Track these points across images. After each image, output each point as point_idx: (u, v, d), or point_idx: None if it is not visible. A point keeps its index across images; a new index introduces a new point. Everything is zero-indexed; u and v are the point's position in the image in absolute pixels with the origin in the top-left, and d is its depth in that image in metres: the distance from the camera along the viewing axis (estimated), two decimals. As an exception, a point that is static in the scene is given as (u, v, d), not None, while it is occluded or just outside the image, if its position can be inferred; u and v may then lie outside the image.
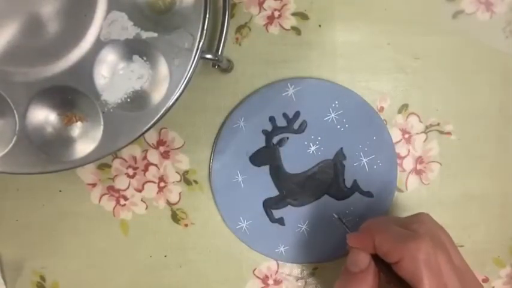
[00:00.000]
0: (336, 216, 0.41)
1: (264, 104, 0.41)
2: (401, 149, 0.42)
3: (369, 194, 0.41)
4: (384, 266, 0.31)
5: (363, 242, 0.33)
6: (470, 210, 0.43)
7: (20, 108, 0.31)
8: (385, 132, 0.41)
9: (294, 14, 0.41)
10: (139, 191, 0.42)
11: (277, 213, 0.42)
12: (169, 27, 0.31)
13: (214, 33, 0.37)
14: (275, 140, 0.41)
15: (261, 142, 0.41)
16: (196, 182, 0.42)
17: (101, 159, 0.34)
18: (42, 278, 0.44)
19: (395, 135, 0.42)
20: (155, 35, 0.30)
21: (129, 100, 0.31)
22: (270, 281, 0.43)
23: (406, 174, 0.42)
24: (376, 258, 0.32)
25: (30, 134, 0.31)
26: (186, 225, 0.43)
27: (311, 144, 0.41)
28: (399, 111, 0.42)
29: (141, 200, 0.43)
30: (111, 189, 0.43)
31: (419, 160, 0.42)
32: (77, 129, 0.32)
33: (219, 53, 0.36)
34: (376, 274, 0.32)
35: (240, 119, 0.41)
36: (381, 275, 0.32)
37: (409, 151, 0.42)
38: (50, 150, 0.32)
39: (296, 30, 0.41)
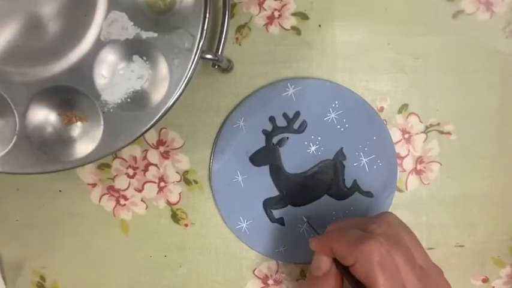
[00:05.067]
0: (305, 219, 0.41)
1: (264, 104, 0.41)
2: (401, 149, 0.42)
3: (369, 194, 0.41)
4: (344, 269, 0.31)
5: (323, 247, 0.32)
6: (470, 210, 0.43)
7: (20, 108, 0.31)
8: (385, 132, 0.41)
9: (294, 14, 0.41)
10: (140, 191, 0.42)
11: (277, 213, 0.42)
12: (169, 27, 0.31)
13: (214, 33, 0.37)
14: (275, 140, 0.41)
15: (261, 142, 0.41)
16: (196, 182, 0.42)
17: (101, 159, 0.34)
18: (42, 278, 0.44)
19: (395, 135, 0.42)
20: (155, 35, 0.30)
21: (129, 100, 0.31)
22: (270, 281, 0.43)
23: (406, 174, 0.42)
24: (338, 262, 0.32)
25: (30, 134, 0.31)
26: (186, 225, 0.43)
27: (311, 144, 0.41)
28: (399, 111, 0.42)
29: (141, 200, 0.43)
30: (111, 189, 0.43)
31: (419, 160, 0.42)
32: (77, 129, 0.32)
33: (219, 53, 0.36)
34: (339, 277, 0.32)
35: (240, 119, 0.41)
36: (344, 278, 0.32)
37: (409, 151, 0.42)
38: (50, 150, 0.32)
39: (296, 30, 0.41)
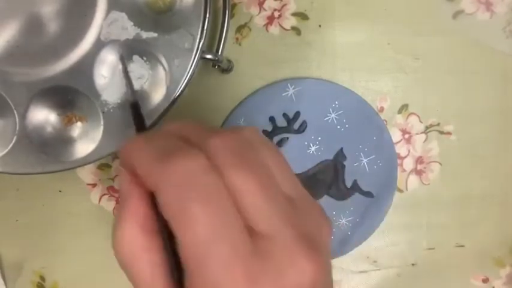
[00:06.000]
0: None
1: (264, 104, 0.41)
2: (401, 149, 0.42)
3: (369, 194, 0.41)
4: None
5: (124, 158, 0.21)
6: (470, 210, 0.43)
7: (20, 108, 0.31)
8: (385, 132, 0.41)
9: (294, 14, 0.41)
10: (140, 191, 0.42)
11: (277, 213, 0.42)
12: (169, 27, 0.31)
13: (214, 33, 0.37)
14: (275, 140, 0.41)
15: (261, 142, 0.41)
16: (196, 182, 0.42)
17: (101, 159, 0.34)
18: (42, 278, 0.43)
19: (396, 135, 0.42)
20: (155, 35, 0.30)
21: (129, 100, 0.31)
22: (270, 281, 0.43)
23: (406, 174, 0.42)
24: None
25: (30, 134, 0.31)
26: (186, 225, 0.43)
27: (311, 144, 0.41)
28: (399, 111, 0.42)
29: (141, 200, 0.43)
30: (111, 190, 0.43)
31: (419, 160, 0.42)
32: (77, 129, 0.32)
33: (219, 53, 0.36)
34: (147, 212, 0.21)
35: (240, 119, 0.41)
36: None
37: (409, 151, 0.42)
38: (50, 150, 0.32)
39: (296, 30, 0.41)
